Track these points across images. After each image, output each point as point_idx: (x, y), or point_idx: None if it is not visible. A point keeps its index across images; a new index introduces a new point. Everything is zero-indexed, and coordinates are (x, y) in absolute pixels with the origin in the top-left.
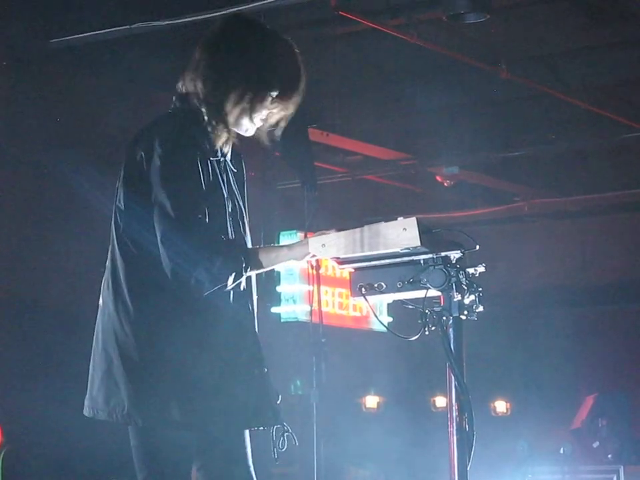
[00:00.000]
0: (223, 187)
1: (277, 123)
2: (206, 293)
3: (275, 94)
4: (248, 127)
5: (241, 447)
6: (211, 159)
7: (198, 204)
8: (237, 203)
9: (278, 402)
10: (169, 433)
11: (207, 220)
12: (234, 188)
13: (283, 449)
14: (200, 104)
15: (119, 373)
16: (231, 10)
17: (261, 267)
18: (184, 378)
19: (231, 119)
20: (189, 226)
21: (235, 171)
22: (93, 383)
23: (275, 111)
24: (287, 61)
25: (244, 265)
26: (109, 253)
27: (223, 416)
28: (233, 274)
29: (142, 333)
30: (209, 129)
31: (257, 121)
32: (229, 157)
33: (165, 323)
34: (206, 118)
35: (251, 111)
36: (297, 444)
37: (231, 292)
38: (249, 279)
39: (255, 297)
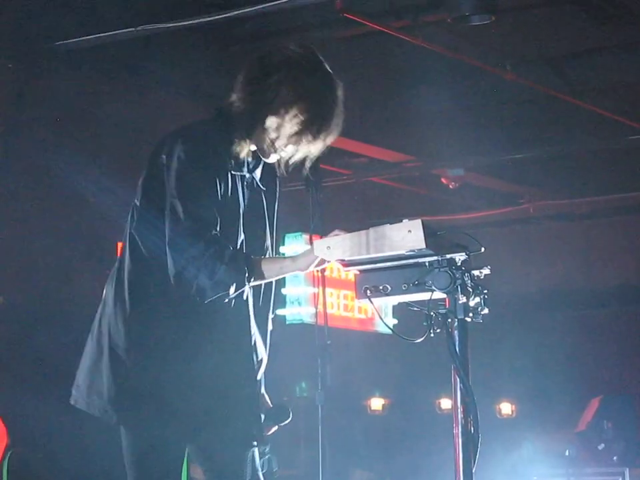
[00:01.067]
0: (242, 203)
1: (302, 161)
2: (207, 300)
3: (302, 129)
4: (269, 153)
5: (234, 460)
6: (233, 172)
7: (210, 212)
8: (256, 221)
9: (281, 424)
10: (155, 435)
11: (217, 229)
12: (257, 206)
13: (263, 471)
14: (234, 118)
15: (105, 368)
16: (237, 12)
17: (264, 277)
18: (167, 383)
19: (255, 139)
20: (197, 232)
21: (265, 190)
22: (81, 373)
23: (300, 148)
24: (326, 105)
25: (247, 275)
26: (121, 248)
27: (201, 427)
28: (234, 283)
29: (134, 332)
30: (235, 143)
31: (280, 149)
32: (258, 174)
33: (159, 327)
34: (235, 132)
35: (275, 139)
36: (277, 469)
37: (232, 303)
38: (267, 294)
39: (269, 313)
